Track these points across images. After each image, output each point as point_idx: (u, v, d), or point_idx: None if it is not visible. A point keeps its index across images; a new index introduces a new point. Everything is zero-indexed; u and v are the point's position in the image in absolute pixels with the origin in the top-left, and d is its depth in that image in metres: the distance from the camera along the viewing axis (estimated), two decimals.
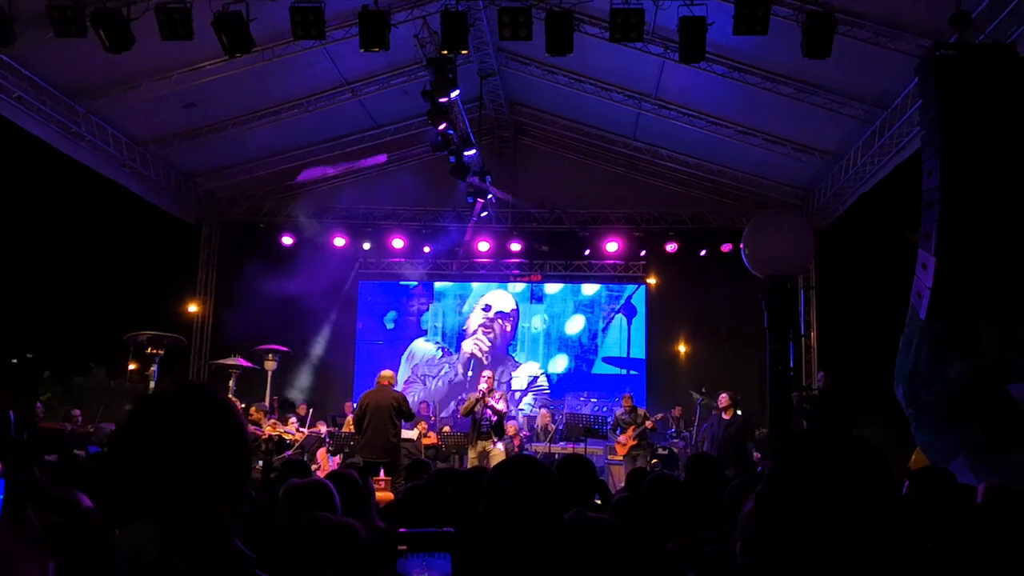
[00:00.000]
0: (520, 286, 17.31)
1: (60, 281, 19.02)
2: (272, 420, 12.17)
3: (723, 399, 12.23)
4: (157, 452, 1.50)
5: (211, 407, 1.56)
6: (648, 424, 12.93)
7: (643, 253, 16.32)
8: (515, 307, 17.36)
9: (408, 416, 11.17)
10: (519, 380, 17.02)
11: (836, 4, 8.64)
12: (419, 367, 17.31)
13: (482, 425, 11.59)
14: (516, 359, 17.20)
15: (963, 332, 6.29)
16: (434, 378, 17.05)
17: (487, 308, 17.35)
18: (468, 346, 17.21)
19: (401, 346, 17.41)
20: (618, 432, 13.02)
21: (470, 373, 16.98)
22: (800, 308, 15.27)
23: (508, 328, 17.28)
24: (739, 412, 12.26)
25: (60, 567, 1.32)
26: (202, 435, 1.53)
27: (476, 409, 11.68)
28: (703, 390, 13.35)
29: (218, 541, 1.51)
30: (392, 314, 17.55)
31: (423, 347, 17.45)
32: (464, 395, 16.46)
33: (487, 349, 17.20)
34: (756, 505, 1.63)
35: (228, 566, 1.50)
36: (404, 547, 2.00)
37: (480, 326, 17.27)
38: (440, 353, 17.38)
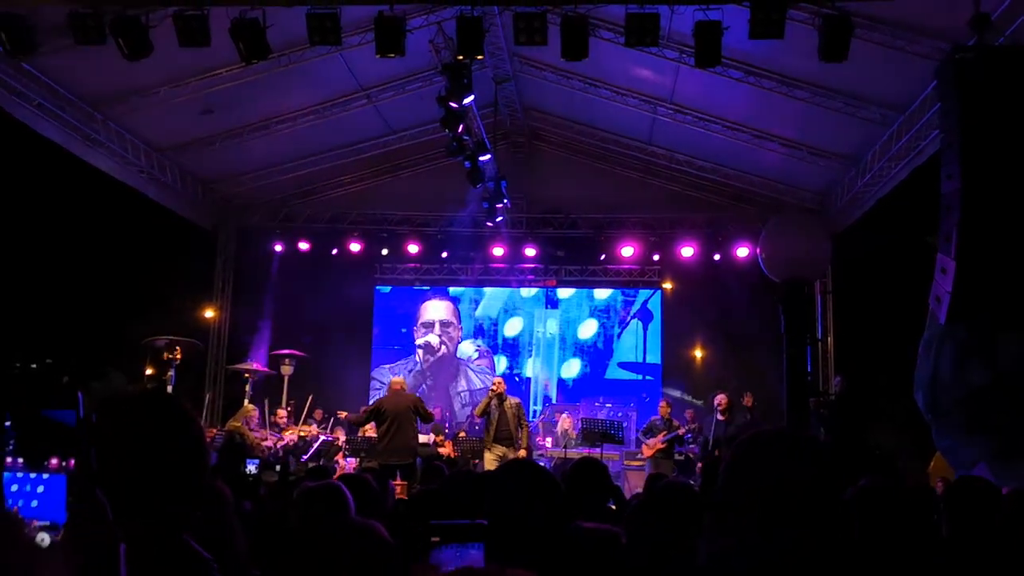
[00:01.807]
0: (533, 291, 17.31)
1: (78, 286, 19.12)
2: (287, 424, 12.22)
3: (720, 400, 12.18)
4: (109, 452, 1.53)
5: (163, 413, 1.59)
6: (680, 431, 12.86)
7: (658, 258, 16.27)
8: (454, 309, 17.47)
9: (426, 417, 11.21)
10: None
11: (852, 7, 8.60)
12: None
13: (500, 430, 11.58)
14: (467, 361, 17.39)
15: (984, 337, 6.24)
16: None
17: (430, 324, 17.43)
18: (432, 339, 17.34)
19: (415, 350, 17.43)
20: (648, 435, 12.95)
21: (430, 357, 17.22)
22: (817, 313, 15.21)
23: (456, 337, 17.42)
24: (734, 415, 12.28)
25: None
26: (151, 439, 1.58)
27: (491, 408, 11.67)
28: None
29: (170, 539, 1.53)
30: (406, 318, 17.59)
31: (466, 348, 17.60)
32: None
33: (446, 350, 17.36)
34: (713, 504, 1.62)
35: (182, 563, 1.53)
36: (437, 538, 2.01)
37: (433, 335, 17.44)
38: (477, 354, 17.46)
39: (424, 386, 16.98)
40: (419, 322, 17.43)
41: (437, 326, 17.36)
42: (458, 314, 17.46)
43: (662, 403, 13.53)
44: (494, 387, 12.00)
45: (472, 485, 4.50)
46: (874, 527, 1.55)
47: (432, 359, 17.22)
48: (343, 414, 13.27)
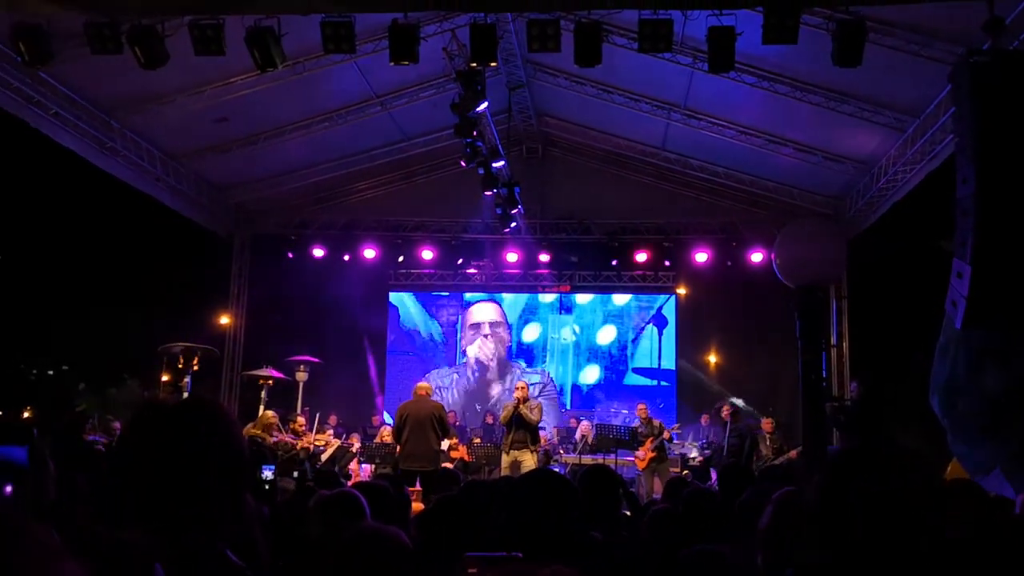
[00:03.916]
0: (549, 297, 17.31)
1: (95, 293, 19.26)
2: (305, 431, 12.23)
3: (724, 410, 12.20)
4: (153, 461, 1.53)
5: (206, 420, 1.60)
6: (665, 435, 12.83)
7: (673, 263, 16.25)
8: (501, 310, 17.48)
9: (447, 430, 11.19)
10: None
11: (866, 12, 8.58)
12: (431, 379, 17.48)
13: (516, 434, 11.53)
14: (520, 366, 17.29)
15: (1000, 341, 6.20)
16: (446, 388, 17.10)
17: (477, 326, 17.44)
18: (472, 351, 17.34)
19: (431, 357, 17.46)
20: (636, 446, 12.91)
21: (476, 374, 17.24)
22: (832, 318, 15.16)
23: (506, 336, 17.38)
24: (739, 422, 12.29)
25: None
26: (192, 446, 1.57)
27: (514, 416, 11.63)
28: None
29: (208, 548, 1.54)
30: (422, 325, 17.63)
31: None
32: (491, 405, 16.52)
33: (491, 354, 17.28)
34: (809, 521, 1.63)
35: (217, 572, 1.53)
36: (475, 570, 2.03)
37: (480, 338, 17.42)
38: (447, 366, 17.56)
39: (477, 404, 17.04)
40: (466, 325, 17.51)
41: (486, 326, 17.41)
42: (505, 315, 17.49)
43: (640, 405, 13.48)
44: (517, 392, 11.90)
45: (488, 492, 4.51)
46: (878, 529, 1.56)
47: (483, 374, 17.30)
48: (382, 428, 13.31)
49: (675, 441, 13.73)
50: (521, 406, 11.53)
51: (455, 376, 17.31)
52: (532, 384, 16.77)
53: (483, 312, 17.50)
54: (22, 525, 0.83)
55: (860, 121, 11.48)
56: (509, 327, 17.42)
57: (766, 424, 12.81)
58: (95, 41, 8.64)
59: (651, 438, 12.72)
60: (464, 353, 17.44)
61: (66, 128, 11.32)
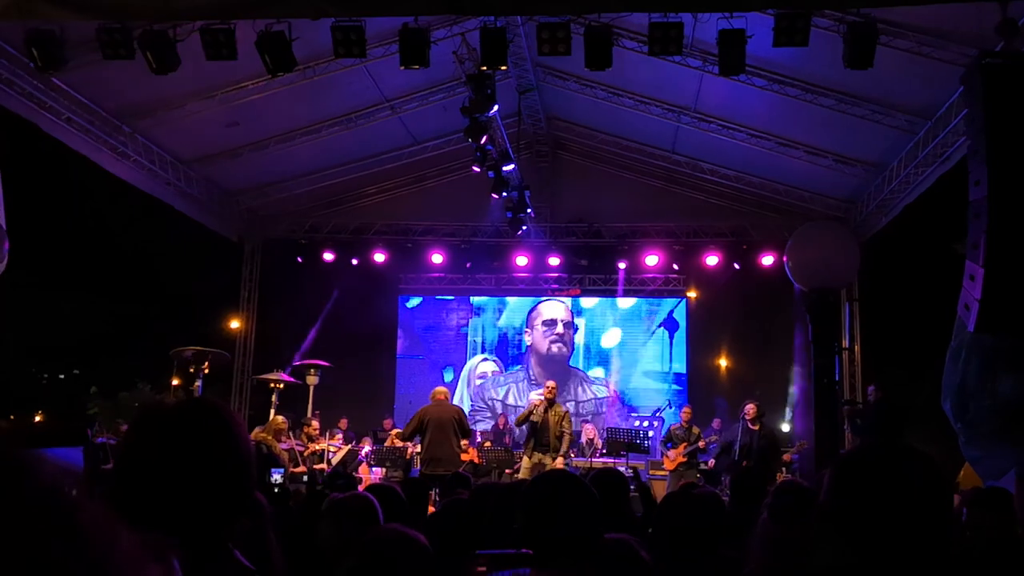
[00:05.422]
0: (559, 300, 17.31)
1: (106, 296, 19.35)
2: (318, 435, 12.26)
3: (750, 409, 12.14)
4: (157, 463, 1.54)
5: (209, 421, 1.60)
6: (701, 444, 12.78)
7: (683, 266, 16.23)
8: (570, 311, 17.35)
9: (467, 433, 11.14)
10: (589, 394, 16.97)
11: (878, 14, 8.55)
12: (484, 390, 17.23)
13: (543, 437, 11.34)
14: (583, 371, 17.14)
15: (1012, 345, 6.17)
16: (503, 402, 16.82)
17: (551, 323, 17.27)
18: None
19: (440, 360, 17.45)
20: (668, 446, 12.87)
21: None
22: (844, 321, 15.10)
23: (571, 336, 17.27)
24: (764, 423, 12.23)
25: None
26: (197, 447, 1.56)
27: (533, 419, 11.41)
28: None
29: (214, 548, 1.54)
30: (431, 328, 17.63)
31: (481, 367, 17.42)
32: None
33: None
34: (818, 521, 1.63)
35: (225, 572, 1.53)
36: (483, 568, 2.03)
37: (551, 343, 17.23)
38: (497, 368, 17.38)
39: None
40: (538, 320, 17.29)
41: (560, 325, 17.24)
42: (573, 317, 17.36)
43: (686, 408, 13.45)
44: (546, 392, 11.73)
45: (498, 495, 4.51)
46: (893, 528, 1.56)
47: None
48: (393, 431, 13.21)
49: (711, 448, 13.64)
50: (552, 415, 11.34)
51: (512, 387, 17.08)
52: (599, 398, 16.75)
53: (556, 309, 17.30)
54: (114, 531, 0.81)
55: (871, 123, 11.43)
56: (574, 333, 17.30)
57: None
58: (107, 46, 8.67)
59: (685, 443, 12.66)
60: (528, 352, 17.25)
61: (78, 133, 11.37)
